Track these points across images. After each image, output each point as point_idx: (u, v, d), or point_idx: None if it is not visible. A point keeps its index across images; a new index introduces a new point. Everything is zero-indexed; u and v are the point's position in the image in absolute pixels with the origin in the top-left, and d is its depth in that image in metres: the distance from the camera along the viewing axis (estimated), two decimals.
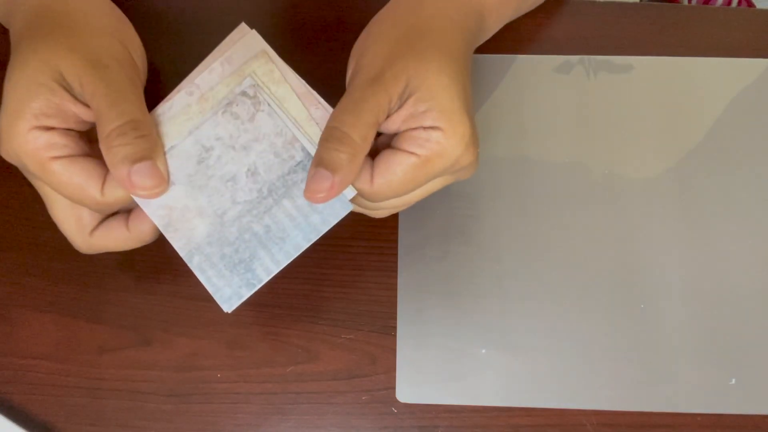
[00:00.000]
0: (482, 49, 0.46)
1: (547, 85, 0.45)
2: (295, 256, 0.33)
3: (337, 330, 0.39)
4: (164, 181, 0.33)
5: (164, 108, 0.34)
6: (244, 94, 0.34)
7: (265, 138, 0.33)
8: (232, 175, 0.34)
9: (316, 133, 0.33)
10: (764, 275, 0.40)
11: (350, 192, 0.33)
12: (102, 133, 0.32)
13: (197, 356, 0.38)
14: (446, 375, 0.38)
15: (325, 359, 0.38)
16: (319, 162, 0.31)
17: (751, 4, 0.64)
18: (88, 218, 0.34)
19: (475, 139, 0.33)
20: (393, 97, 0.32)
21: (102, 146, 0.32)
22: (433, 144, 0.32)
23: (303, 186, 0.33)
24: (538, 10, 0.47)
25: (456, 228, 0.41)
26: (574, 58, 0.45)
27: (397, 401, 0.37)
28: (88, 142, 0.34)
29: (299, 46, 0.47)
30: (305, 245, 0.33)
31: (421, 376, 0.38)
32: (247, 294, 0.33)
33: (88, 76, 0.32)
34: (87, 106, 0.32)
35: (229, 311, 0.33)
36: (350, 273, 0.40)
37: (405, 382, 0.38)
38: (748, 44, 0.46)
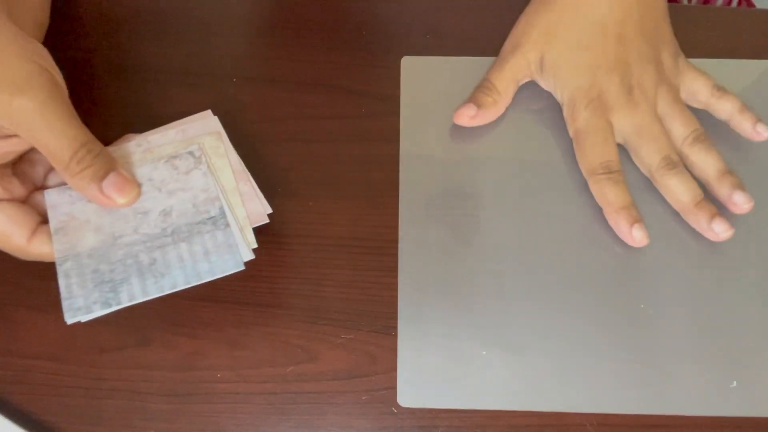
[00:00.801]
0: (483, 51, 0.46)
1: None
2: (166, 293, 0.34)
3: (337, 330, 0.39)
4: (135, 184, 0.35)
5: (109, 149, 0.37)
6: (190, 153, 0.37)
7: (191, 190, 0.36)
8: (146, 210, 0.36)
9: (237, 202, 0.36)
10: (766, 276, 0.40)
11: (247, 254, 0.35)
12: (59, 164, 0.33)
13: (197, 356, 0.38)
14: (447, 378, 0.38)
15: (325, 359, 0.38)
16: (471, 99, 0.43)
17: (751, 4, 0.64)
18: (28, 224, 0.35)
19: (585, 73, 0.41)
20: (531, 62, 0.43)
21: (64, 176, 0.33)
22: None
23: (207, 237, 0.35)
24: None
25: (456, 228, 0.41)
26: None
27: (398, 402, 0.37)
28: (12, 175, 0.35)
29: (299, 46, 0.47)
30: (181, 286, 0.35)
31: (422, 379, 0.38)
32: (98, 311, 0.34)
33: (20, 112, 0.31)
34: (9, 137, 0.33)
35: (69, 322, 0.34)
36: (350, 273, 0.40)
37: (406, 386, 0.38)
38: (748, 44, 0.46)
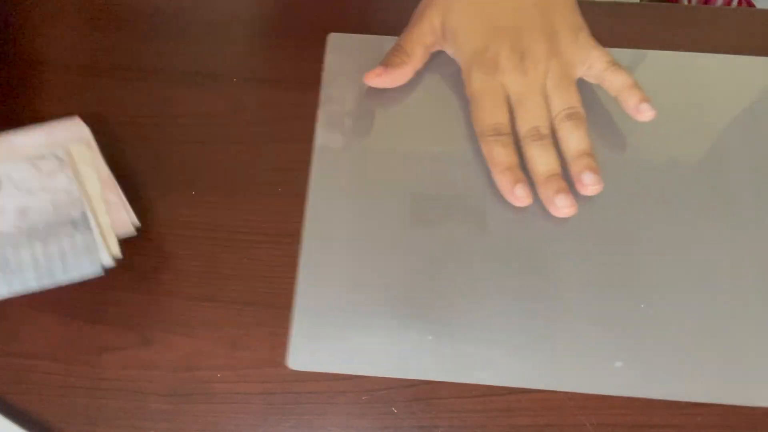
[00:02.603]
0: None
1: None
2: (17, 292, 0.34)
3: None
4: None
5: None
6: (54, 155, 0.36)
7: (53, 191, 0.36)
8: (1, 207, 0.35)
9: (101, 210, 0.36)
10: (764, 276, 0.40)
11: (108, 260, 0.35)
12: None
13: (197, 356, 0.38)
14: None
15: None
16: (381, 62, 0.44)
17: (751, 4, 0.64)
18: None
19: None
20: (435, 28, 0.44)
21: None
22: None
23: (65, 239, 0.35)
24: None
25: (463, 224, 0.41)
26: None
27: (398, 401, 0.37)
28: None
29: (300, 46, 0.47)
30: (33, 287, 0.34)
31: (317, 345, 0.38)
32: None
33: None
34: None
35: None
36: None
37: (299, 348, 0.38)
38: (748, 44, 0.46)
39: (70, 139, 0.37)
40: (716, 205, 0.41)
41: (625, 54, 0.45)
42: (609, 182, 0.41)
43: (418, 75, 0.45)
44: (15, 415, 0.37)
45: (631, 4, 0.48)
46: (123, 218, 0.36)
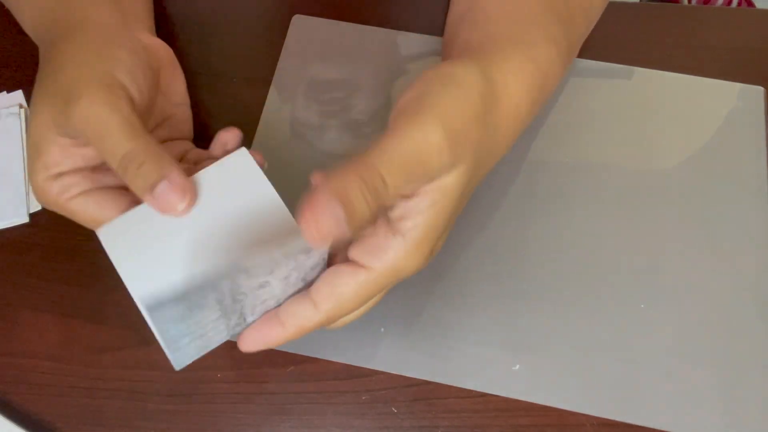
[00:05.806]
0: None
1: None
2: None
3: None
4: (187, 190, 0.31)
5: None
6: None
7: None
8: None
9: None
10: (758, 280, 0.40)
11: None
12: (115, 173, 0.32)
13: None
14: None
15: (325, 359, 0.38)
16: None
17: (751, 4, 0.64)
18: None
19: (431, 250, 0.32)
20: None
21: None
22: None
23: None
24: None
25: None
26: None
27: (398, 401, 0.37)
28: (105, 171, 0.35)
29: None
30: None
31: None
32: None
33: (80, 125, 0.32)
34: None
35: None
36: None
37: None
38: (748, 44, 0.46)
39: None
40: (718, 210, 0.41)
41: (618, 67, 0.45)
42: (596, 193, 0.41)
43: (372, 64, 0.45)
44: (15, 415, 0.37)
45: (631, 4, 0.48)
46: None
